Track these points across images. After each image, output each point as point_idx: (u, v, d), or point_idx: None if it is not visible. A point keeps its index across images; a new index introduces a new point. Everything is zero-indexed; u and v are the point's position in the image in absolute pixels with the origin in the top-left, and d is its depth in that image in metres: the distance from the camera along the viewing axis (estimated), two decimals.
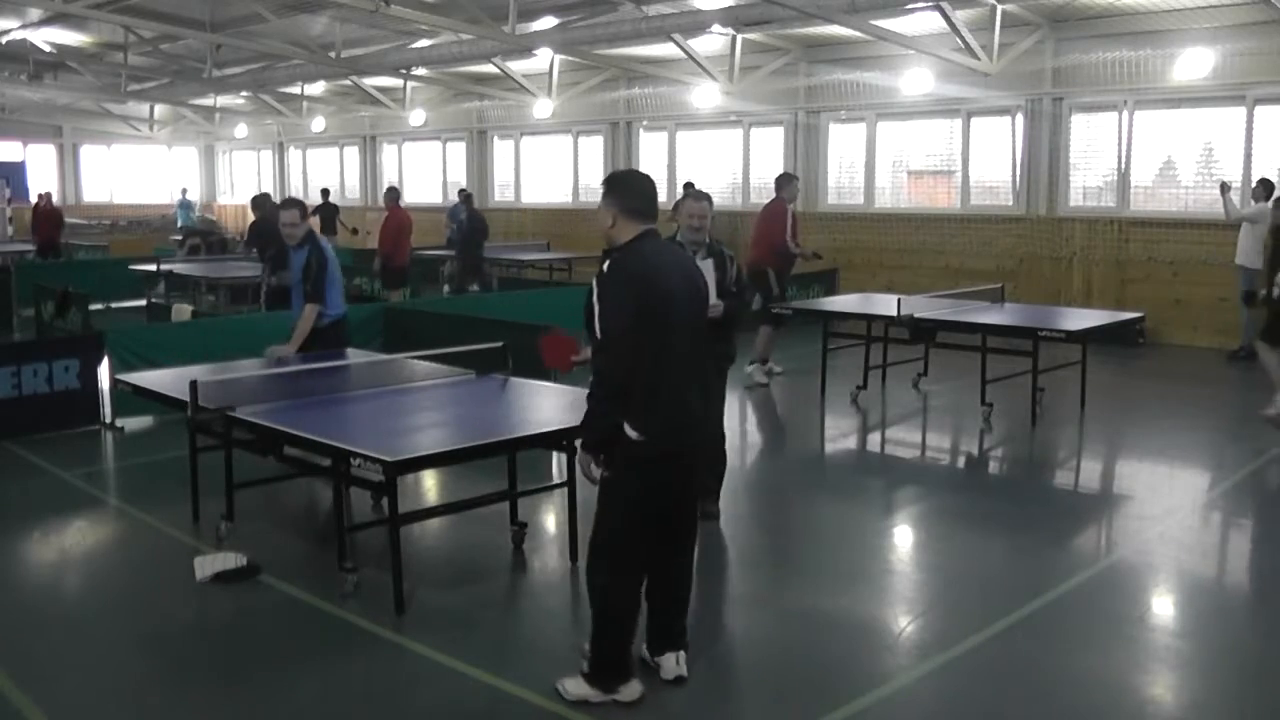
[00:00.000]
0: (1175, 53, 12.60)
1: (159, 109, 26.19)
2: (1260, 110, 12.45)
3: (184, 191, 25.80)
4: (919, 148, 15.89)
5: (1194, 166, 13.35)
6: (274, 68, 19.05)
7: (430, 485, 7.02)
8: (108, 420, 8.58)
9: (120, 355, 8.61)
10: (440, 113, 21.74)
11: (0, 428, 8.05)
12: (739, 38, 15.50)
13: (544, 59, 17.47)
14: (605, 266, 3.94)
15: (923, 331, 9.34)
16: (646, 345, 3.85)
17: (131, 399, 7.03)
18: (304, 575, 5.41)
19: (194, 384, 5.48)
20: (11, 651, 4.63)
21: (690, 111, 17.62)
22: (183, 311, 12.14)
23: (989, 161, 14.92)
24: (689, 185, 15.72)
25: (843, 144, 16.36)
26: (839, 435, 9.10)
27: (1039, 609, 5.04)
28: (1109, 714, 4.14)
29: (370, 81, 20.86)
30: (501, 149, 21.67)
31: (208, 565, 5.41)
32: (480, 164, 21.72)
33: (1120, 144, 13.49)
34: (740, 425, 9.35)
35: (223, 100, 23.95)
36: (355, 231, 21.11)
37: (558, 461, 6.33)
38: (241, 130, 26.16)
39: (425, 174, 23.23)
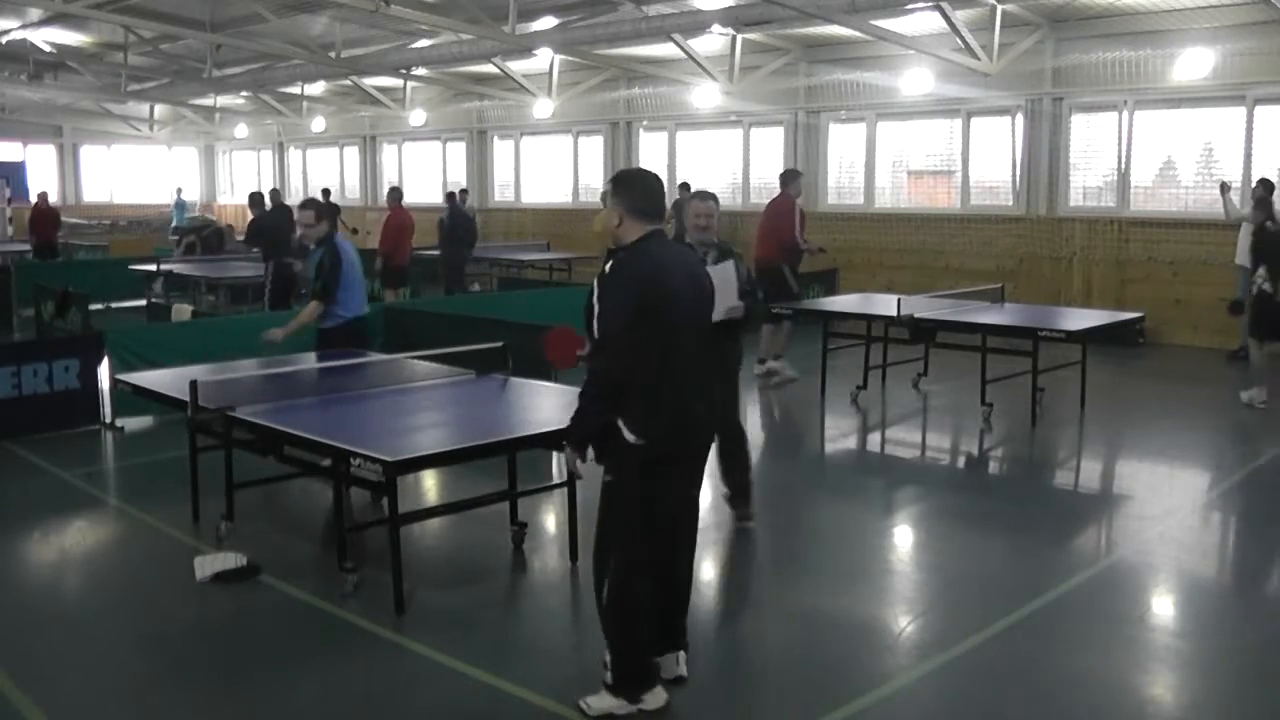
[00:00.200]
0: (1175, 53, 12.60)
1: (159, 109, 26.19)
2: (1260, 110, 12.45)
3: (179, 192, 25.70)
4: (919, 148, 15.89)
5: (1194, 166, 13.35)
6: (274, 68, 19.06)
7: (430, 485, 7.02)
8: (108, 420, 8.58)
9: (120, 355, 8.61)
10: (440, 113, 21.74)
11: (0, 428, 8.05)
12: (739, 38, 15.50)
13: (544, 59, 17.47)
14: (608, 267, 3.91)
15: (923, 331, 9.35)
16: (648, 347, 3.83)
17: (131, 399, 7.03)
18: (304, 575, 5.42)
19: (194, 384, 5.48)
20: (11, 651, 4.63)
21: (690, 111, 17.62)
22: (183, 311, 12.14)
23: (989, 161, 14.91)
24: (684, 186, 15.74)
25: (843, 144, 16.36)
26: (839, 435, 9.10)
27: (1039, 609, 5.04)
28: (1109, 714, 4.14)
29: (370, 81, 20.87)
30: (501, 149, 21.67)
31: (208, 565, 5.41)
32: (480, 164, 21.72)
33: (1120, 144, 13.49)
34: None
35: (223, 100, 23.95)
36: (355, 231, 21.12)
37: (558, 461, 6.32)
38: (241, 130, 26.16)
39: (425, 174, 23.23)
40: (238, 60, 19.67)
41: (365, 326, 7.34)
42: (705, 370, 4.11)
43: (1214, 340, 12.16)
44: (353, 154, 24.84)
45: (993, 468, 8.25)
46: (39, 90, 21.78)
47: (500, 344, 6.36)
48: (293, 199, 24.06)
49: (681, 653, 4.23)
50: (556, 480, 6.23)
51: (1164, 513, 6.73)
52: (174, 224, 24.07)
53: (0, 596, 5.35)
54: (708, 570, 5.66)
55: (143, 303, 14.54)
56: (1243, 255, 11.40)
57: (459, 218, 16.31)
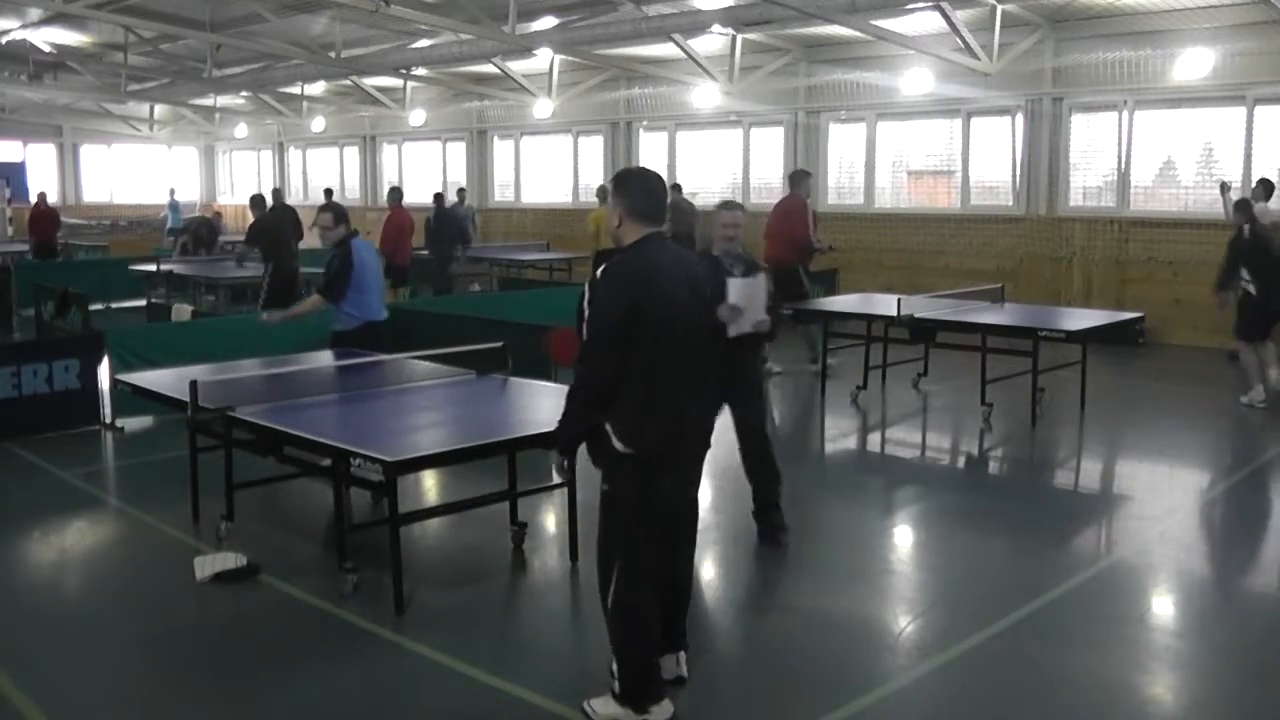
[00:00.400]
0: (1175, 53, 12.60)
1: (159, 109, 26.20)
2: (1260, 110, 12.45)
3: (172, 192, 25.57)
4: (919, 148, 15.89)
5: (1194, 166, 13.35)
6: (274, 68, 19.06)
7: (430, 485, 7.02)
8: (108, 420, 8.58)
9: (120, 355, 8.60)
10: (440, 113, 21.74)
11: (0, 428, 8.05)
12: (739, 38, 15.51)
13: (544, 59, 17.47)
14: (600, 270, 3.86)
15: (923, 331, 9.35)
16: (637, 353, 3.76)
17: (131, 399, 7.03)
18: (304, 575, 5.41)
19: (194, 384, 5.48)
20: (11, 651, 4.63)
21: (690, 111, 17.62)
22: (183, 311, 12.15)
23: (989, 161, 14.91)
24: (675, 187, 15.72)
25: (843, 144, 16.36)
26: (839, 435, 9.10)
27: (1039, 609, 5.04)
28: (1109, 714, 4.14)
29: (370, 81, 20.87)
30: (501, 149, 21.67)
31: (208, 565, 5.41)
32: (480, 164, 21.72)
33: (1120, 144, 13.49)
34: None
35: (223, 100, 23.96)
36: (355, 232, 21.09)
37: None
38: (241, 130, 26.16)
39: (425, 174, 23.23)
40: (238, 60, 19.67)
41: (382, 331, 7.32)
42: (700, 376, 4.03)
43: (1214, 340, 12.14)
44: (353, 154, 24.84)
45: (993, 468, 8.25)
46: (39, 90, 21.79)
47: (500, 344, 6.36)
48: (293, 199, 24.11)
49: (682, 653, 4.22)
50: (556, 480, 6.22)
51: (1164, 513, 6.73)
52: (169, 225, 24.04)
53: (0, 596, 5.35)
54: (708, 570, 5.66)
55: (143, 303, 14.56)
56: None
57: (445, 217, 16.39)
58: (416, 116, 21.54)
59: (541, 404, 5.82)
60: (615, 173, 4.12)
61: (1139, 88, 13.04)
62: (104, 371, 8.55)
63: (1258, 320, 9.39)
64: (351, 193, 24.60)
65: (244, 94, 22.73)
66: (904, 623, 4.96)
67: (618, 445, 3.83)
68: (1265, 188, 11.33)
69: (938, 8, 12.29)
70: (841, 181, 16.42)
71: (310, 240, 16.05)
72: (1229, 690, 4.37)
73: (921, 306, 9.71)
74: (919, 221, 15.24)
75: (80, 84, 21.63)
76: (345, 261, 7.02)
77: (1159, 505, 6.95)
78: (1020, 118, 14.19)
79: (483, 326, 8.69)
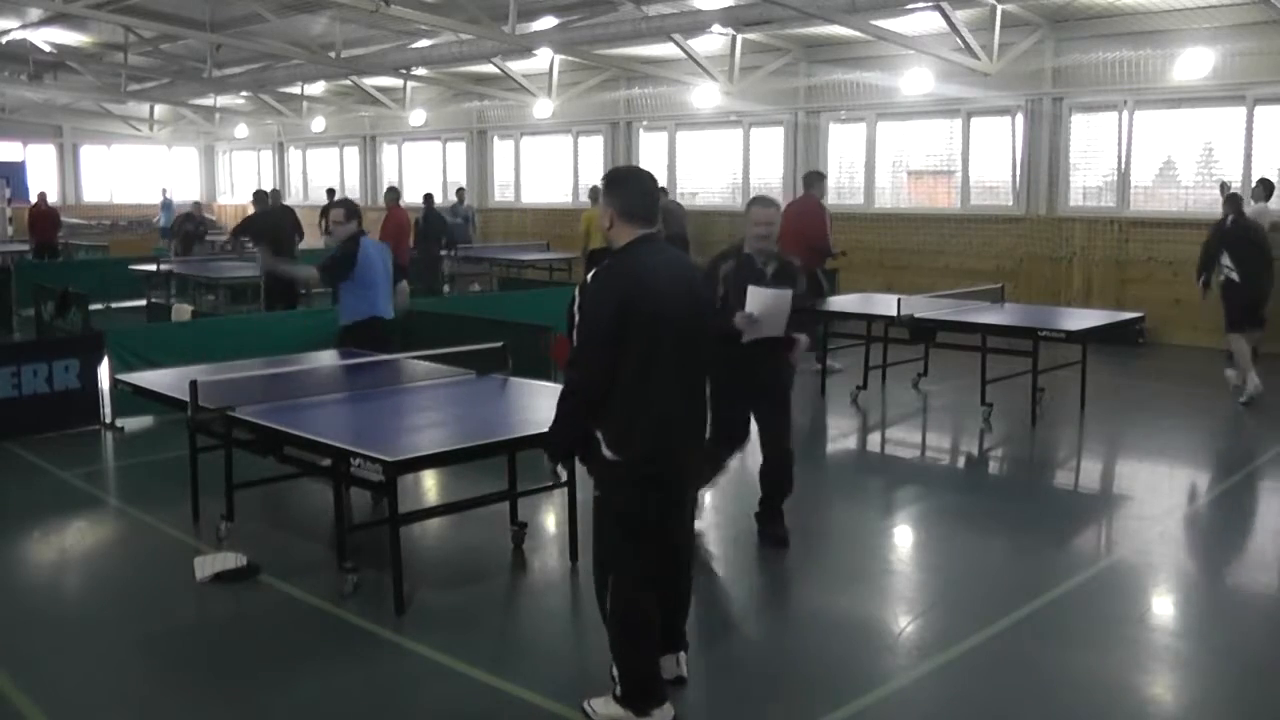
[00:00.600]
0: (1175, 53, 12.60)
1: (159, 109, 26.19)
2: (1260, 110, 12.45)
3: (165, 192, 25.51)
4: (919, 148, 15.89)
5: (1194, 166, 13.35)
6: (274, 68, 19.06)
7: (430, 485, 7.02)
8: (108, 420, 8.58)
9: (120, 355, 8.60)
10: (440, 113, 21.74)
11: (0, 428, 8.05)
12: (739, 38, 15.51)
13: (544, 59, 17.47)
14: (591, 274, 3.81)
15: (923, 331, 9.35)
16: (627, 360, 3.71)
17: (131, 399, 7.03)
18: (304, 575, 5.41)
19: (194, 384, 5.47)
20: (11, 651, 4.63)
21: (690, 111, 17.62)
22: (183, 311, 12.16)
23: (989, 161, 14.91)
24: (662, 190, 15.71)
25: (843, 144, 16.35)
26: (839, 435, 9.10)
27: (1039, 609, 5.04)
28: (1109, 714, 4.14)
29: (370, 81, 20.87)
30: (501, 149, 21.67)
31: (208, 565, 5.41)
32: (480, 164, 21.72)
33: (1120, 144, 13.49)
34: None
35: (223, 100, 23.95)
36: (365, 231, 21.09)
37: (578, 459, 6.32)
38: (241, 130, 26.16)
39: (425, 174, 23.23)
40: (238, 60, 19.67)
41: (385, 327, 7.40)
42: (694, 382, 3.97)
43: (1214, 340, 12.12)
44: (353, 154, 24.84)
45: (993, 468, 8.25)
46: (39, 90, 21.79)
47: (500, 344, 6.36)
48: (293, 199, 24.13)
49: (682, 653, 4.22)
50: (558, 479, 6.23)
51: (1164, 513, 6.73)
52: (162, 225, 24.02)
53: (0, 596, 5.35)
54: (708, 570, 5.66)
55: (143, 303, 14.56)
56: None
57: (433, 217, 16.49)
58: (416, 116, 21.54)
59: (541, 404, 5.81)
60: (607, 173, 4.05)
61: (1139, 88, 13.04)
62: (104, 371, 8.55)
63: (1245, 307, 9.62)
64: (351, 193, 24.53)
65: (244, 94, 22.73)
66: (904, 623, 4.96)
67: (607, 453, 3.79)
68: (1265, 188, 11.36)
69: (938, 8, 12.28)
70: (841, 181, 16.41)
71: (311, 240, 16.14)
72: (1229, 690, 4.37)
73: (921, 306, 9.71)
74: (919, 221, 15.24)
75: (80, 84, 21.63)
76: (350, 253, 7.15)
77: (1159, 505, 6.95)
78: (1020, 118, 14.19)
79: (483, 326, 8.70)
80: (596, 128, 19.42)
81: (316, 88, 21.93)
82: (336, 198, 21.41)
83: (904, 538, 6.42)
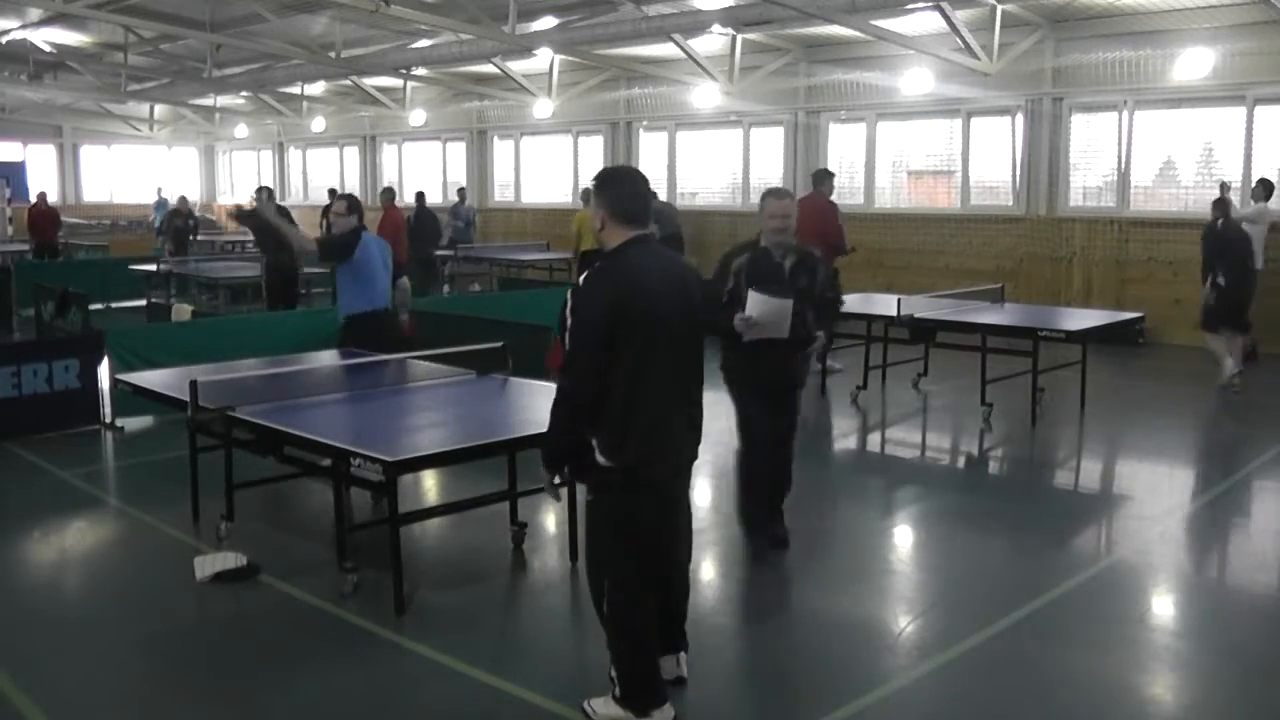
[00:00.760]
0: (1175, 53, 12.60)
1: (159, 109, 26.19)
2: (1260, 110, 12.45)
3: (159, 191, 25.41)
4: (919, 148, 15.88)
5: (1194, 166, 13.35)
6: (274, 68, 19.06)
7: (430, 485, 7.02)
8: (108, 420, 8.58)
9: (120, 355, 8.61)
10: (440, 113, 21.73)
11: (0, 428, 8.05)
12: (739, 38, 15.50)
13: (544, 59, 17.46)
14: (583, 277, 3.77)
15: (923, 331, 9.35)
16: (620, 365, 3.67)
17: (131, 399, 7.03)
18: (304, 575, 5.41)
19: (194, 384, 5.48)
20: (11, 651, 4.63)
21: (690, 111, 17.62)
22: (183, 311, 12.17)
23: (989, 161, 14.91)
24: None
25: (843, 144, 16.35)
26: (839, 435, 9.10)
27: (1039, 609, 5.04)
28: (1109, 714, 4.14)
29: (370, 81, 20.86)
30: (501, 149, 21.66)
31: (208, 565, 5.41)
32: (480, 164, 21.72)
33: (1120, 144, 13.49)
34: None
35: (223, 100, 23.95)
36: (364, 228, 21.07)
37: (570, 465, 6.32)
38: (241, 130, 26.16)
39: (425, 174, 23.22)
40: (238, 60, 19.67)
41: (386, 318, 7.49)
42: (688, 385, 3.93)
43: (1227, 346, 12.14)
44: (353, 154, 24.83)
45: (993, 468, 8.25)
46: (39, 90, 21.78)
47: (500, 344, 6.37)
48: (293, 199, 24.13)
49: (682, 653, 4.21)
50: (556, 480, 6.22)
51: (1164, 513, 6.73)
52: (157, 225, 23.95)
53: (0, 596, 5.35)
54: (707, 570, 5.66)
55: (143, 303, 14.57)
56: None
57: (424, 216, 16.55)
58: (416, 116, 21.54)
59: (541, 404, 5.79)
60: (597, 173, 3.99)
61: (1139, 88, 13.04)
62: (104, 371, 8.55)
63: (1225, 309, 10.07)
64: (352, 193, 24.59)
65: (244, 94, 22.72)
66: (904, 623, 4.96)
67: (601, 459, 3.76)
68: (1265, 188, 11.37)
69: (938, 8, 12.28)
70: (841, 182, 16.30)
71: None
72: (1229, 690, 4.37)
73: (921, 306, 9.71)
74: (919, 221, 15.24)
75: (80, 84, 21.63)
76: (348, 242, 7.22)
77: (1159, 505, 6.95)
78: (1020, 118, 14.19)
79: (483, 326, 8.70)
80: (596, 128, 19.42)
81: (316, 88, 21.93)
82: (354, 199, 21.53)
83: (904, 538, 6.42)
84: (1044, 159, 14.02)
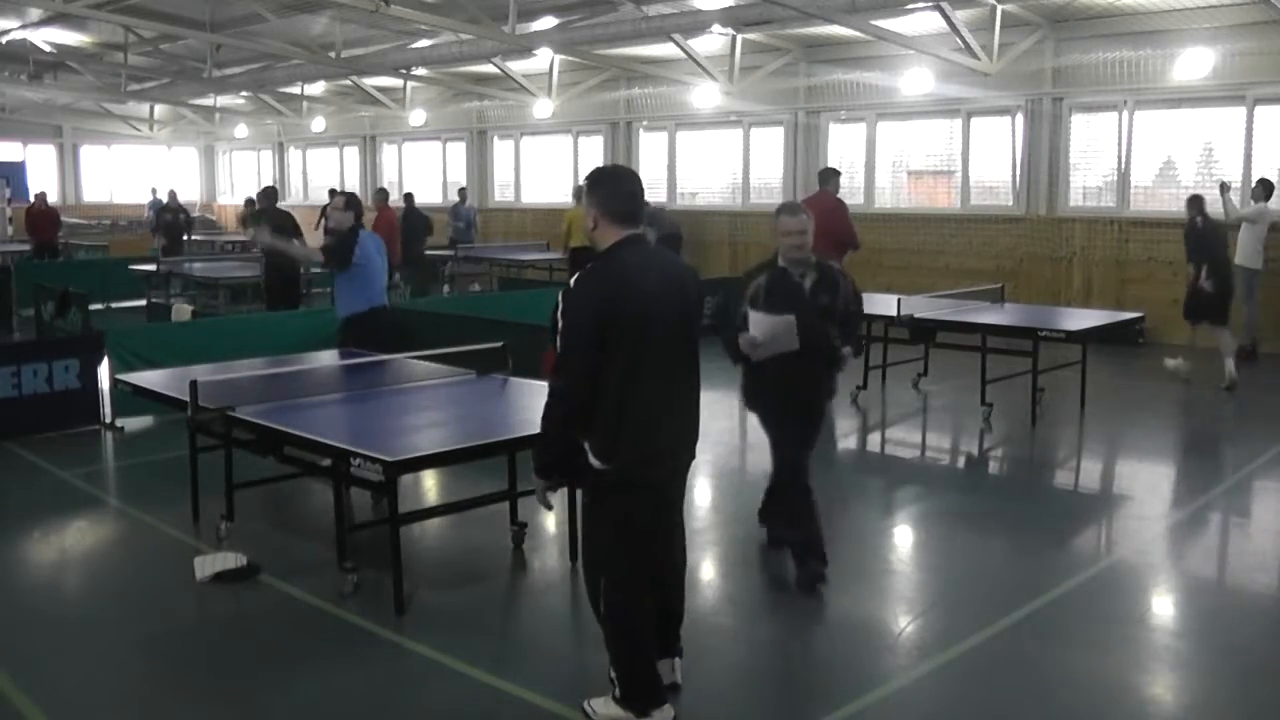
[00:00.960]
0: (1175, 53, 12.60)
1: (159, 109, 26.18)
2: (1260, 110, 12.45)
3: (154, 191, 25.35)
4: (919, 148, 15.88)
5: (1194, 166, 13.34)
6: (274, 68, 19.05)
7: (430, 485, 7.02)
8: (108, 420, 8.58)
9: (120, 355, 8.61)
10: (440, 113, 21.73)
11: (0, 428, 8.05)
12: (739, 38, 15.51)
13: (544, 59, 17.46)
14: (574, 279, 3.73)
15: (923, 331, 9.35)
16: (612, 367, 3.64)
17: (131, 399, 7.04)
18: (304, 575, 5.41)
19: (194, 384, 5.48)
20: (11, 651, 4.63)
21: (690, 111, 17.62)
22: (183, 311, 12.17)
23: (989, 161, 14.91)
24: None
25: (843, 144, 16.35)
26: (839, 435, 9.09)
27: (1039, 609, 5.04)
28: (1109, 714, 4.14)
29: (370, 81, 20.86)
30: (501, 149, 21.66)
31: (208, 565, 5.41)
32: (480, 164, 21.72)
33: (1120, 144, 13.49)
34: (740, 425, 9.35)
35: (223, 100, 23.94)
36: (363, 225, 21.05)
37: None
38: (241, 130, 26.15)
39: (425, 174, 23.23)
40: (238, 60, 19.67)
41: (386, 316, 7.57)
42: (682, 387, 3.90)
43: (1214, 340, 12.14)
44: (353, 154, 24.82)
45: (993, 468, 8.25)
46: (39, 90, 21.78)
47: (500, 344, 6.37)
48: (293, 199, 24.12)
49: (676, 659, 4.17)
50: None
51: (1164, 513, 6.74)
52: (151, 223, 23.85)
53: (0, 596, 5.35)
54: (708, 570, 5.67)
55: (143, 303, 14.57)
56: (1242, 255, 11.43)
57: (413, 216, 16.64)
58: (416, 116, 21.53)
59: (541, 404, 5.81)
60: (589, 173, 3.94)
61: (1139, 88, 13.04)
62: (104, 371, 8.55)
63: (1208, 305, 10.46)
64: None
65: (244, 94, 22.72)
66: (904, 623, 4.96)
67: (595, 462, 3.75)
68: (1265, 188, 11.37)
69: (938, 8, 12.28)
70: (841, 181, 16.30)
71: (311, 241, 16.13)
72: (1229, 690, 4.37)
73: (921, 306, 9.71)
74: (919, 221, 15.24)
75: (80, 84, 21.62)
76: (348, 241, 7.28)
77: (1159, 505, 6.96)
78: (1020, 118, 14.19)
79: (483, 326, 8.70)
80: (596, 128, 19.41)
81: (316, 88, 21.92)
82: (352, 195, 21.51)
83: (904, 538, 6.42)
84: (1044, 159, 14.02)
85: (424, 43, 16.85)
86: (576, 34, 15.11)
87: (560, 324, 3.68)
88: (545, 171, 20.86)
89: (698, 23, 13.81)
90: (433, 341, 7.29)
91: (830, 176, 11.07)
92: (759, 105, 16.66)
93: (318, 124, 23.32)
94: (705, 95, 16.65)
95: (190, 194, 27.55)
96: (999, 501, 7.15)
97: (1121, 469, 8.18)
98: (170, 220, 18.83)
